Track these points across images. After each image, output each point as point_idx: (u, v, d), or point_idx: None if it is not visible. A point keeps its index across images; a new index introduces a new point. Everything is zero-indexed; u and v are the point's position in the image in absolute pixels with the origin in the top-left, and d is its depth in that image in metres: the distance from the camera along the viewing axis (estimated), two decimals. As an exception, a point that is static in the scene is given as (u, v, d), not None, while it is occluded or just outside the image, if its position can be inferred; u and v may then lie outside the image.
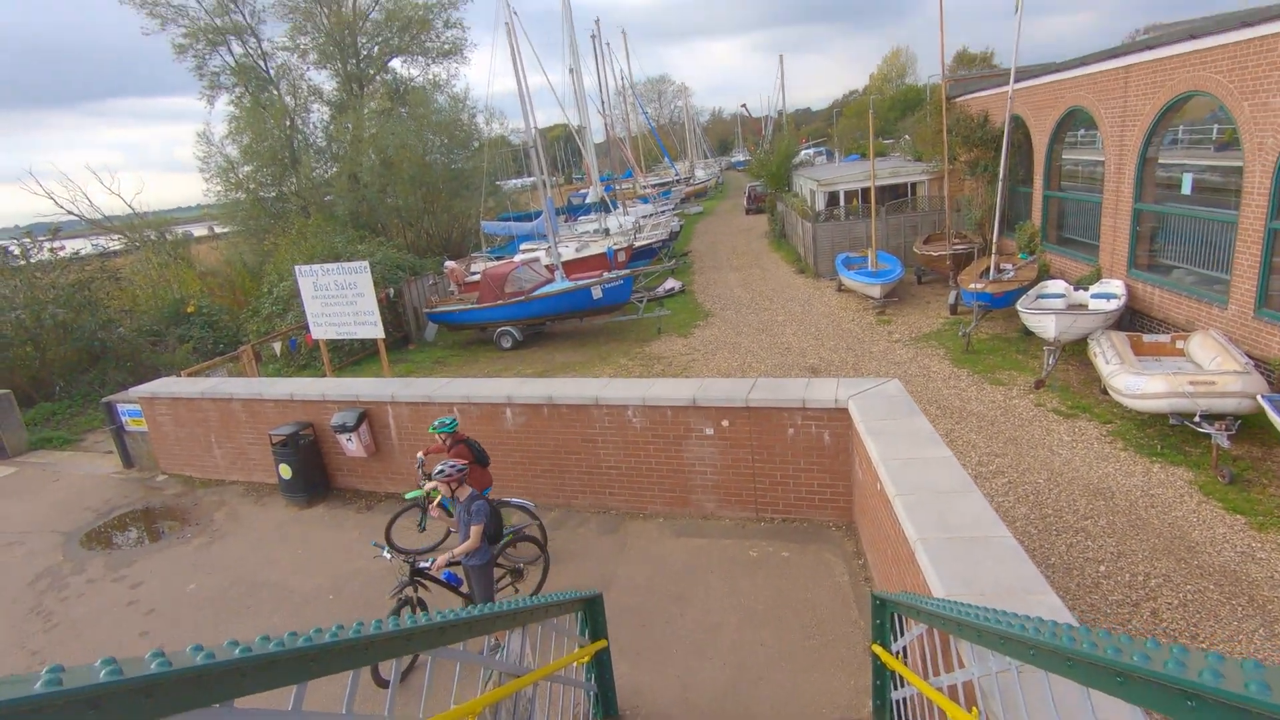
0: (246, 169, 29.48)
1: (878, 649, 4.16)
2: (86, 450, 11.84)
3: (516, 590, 6.26)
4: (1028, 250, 14.94)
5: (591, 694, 4.64)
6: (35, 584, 7.54)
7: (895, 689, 4.21)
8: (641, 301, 17.13)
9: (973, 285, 12.77)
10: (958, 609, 2.67)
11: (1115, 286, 11.64)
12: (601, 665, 4.64)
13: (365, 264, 9.47)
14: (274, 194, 30.24)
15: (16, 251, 14.54)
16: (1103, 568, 6.20)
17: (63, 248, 15.64)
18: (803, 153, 44.08)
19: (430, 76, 33.01)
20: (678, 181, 50.05)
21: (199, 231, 37.23)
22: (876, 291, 15.46)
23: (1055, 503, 7.29)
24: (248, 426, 9.25)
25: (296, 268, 9.96)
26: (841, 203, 21.70)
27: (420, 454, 6.80)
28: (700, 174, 61.23)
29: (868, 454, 5.44)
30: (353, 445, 8.38)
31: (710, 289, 20.32)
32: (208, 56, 29.64)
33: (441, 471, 5.24)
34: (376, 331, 9.73)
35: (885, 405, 6.07)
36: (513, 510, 7.09)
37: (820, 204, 22.08)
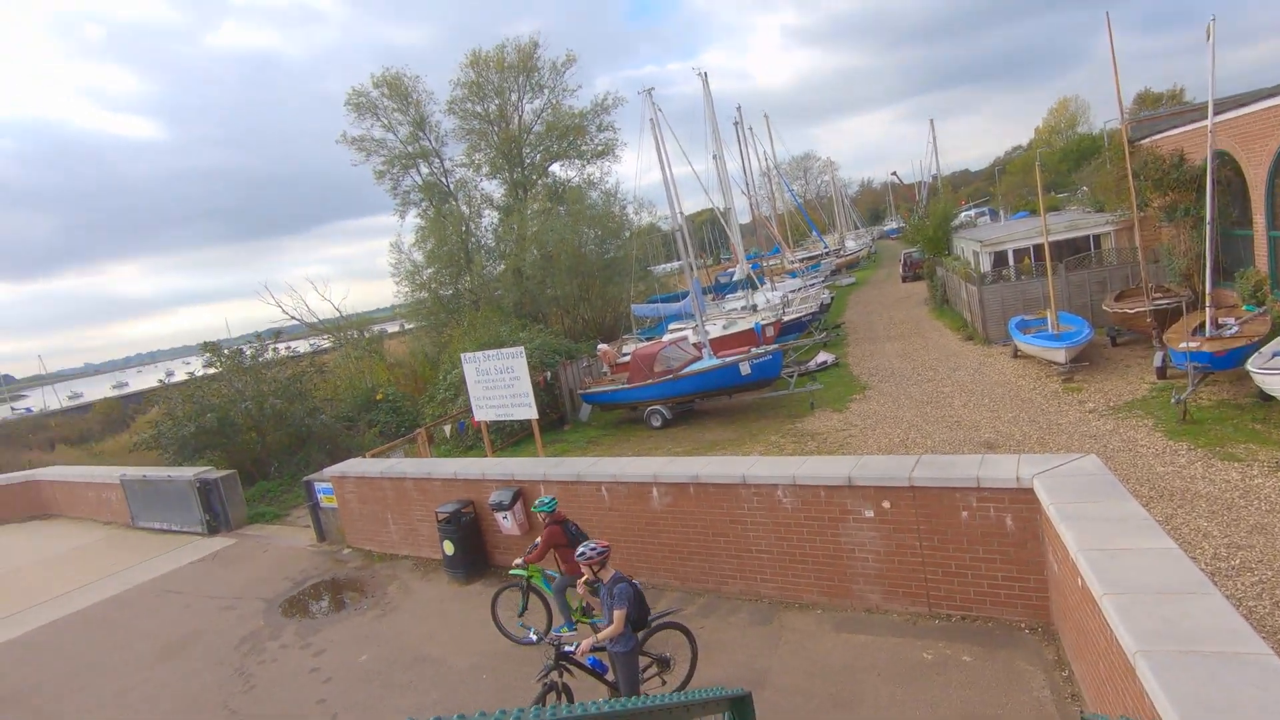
0: (429, 271, 33.21)
1: (1096, 790, 3.37)
2: (290, 524, 13.31)
3: (664, 682, 5.94)
4: (1254, 301, 12.71)
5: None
6: (240, 646, 8.38)
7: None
8: (792, 376, 16.63)
9: (1185, 345, 10.99)
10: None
11: (1386, 337, 9.47)
12: (753, 777, 4.18)
13: (521, 350, 10.09)
14: (451, 291, 33.68)
15: (249, 353, 17.30)
16: None
17: (289, 348, 18.43)
18: (962, 214, 41.77)
19: (585, 175, 35.81)
20: (826, 254, 49.26)
21: (392, 329, 42.26)
22: (1061, 356, 13.81)
23: (1333, 611, 5.75)
24: (418, 504, 9.92)
25: (463, 355, 10.83)
26: (1010, 262, 20.03)
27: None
28: (851, 244, 59.95)
29: (1063, 543, 4.65)
30: (508, 523, 8.66)
31: (866, 360, 19.33)
32: (400, 178, 34.37)
33: (583, 555, 5.20)
34: (531, 412, 10.21)
35: (1080, 485, 5.22)
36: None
37: (985, 265, 20.54)
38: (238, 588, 10.36)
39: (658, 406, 16.23)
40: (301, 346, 31.70)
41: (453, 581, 9.11)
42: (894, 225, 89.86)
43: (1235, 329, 11.43)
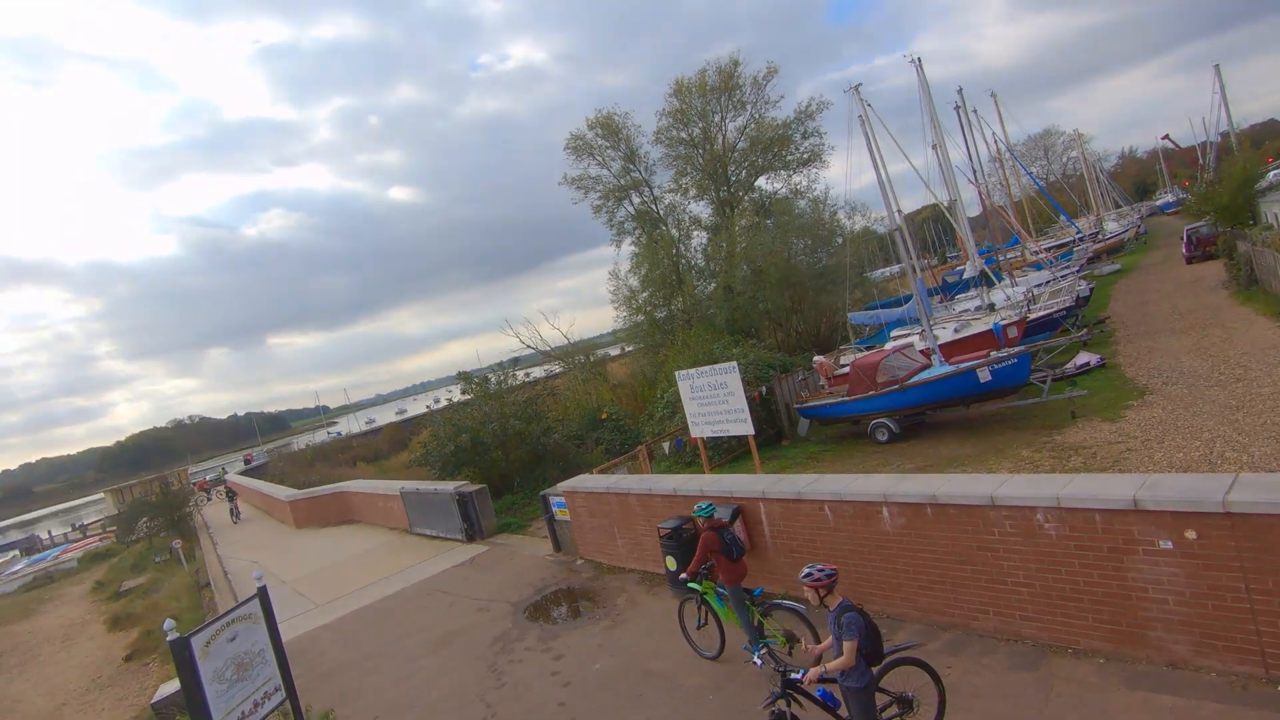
0: (644, 295, 34.76)
1: None
2: (531, 535, 14.54)
3: (907, 727, 5.34)
4: None
5: None
6: (493, 645, 9.25)
7: None
8: (1046, 382, 14.47)
9: None
10: None
11: None
12: None
13: (734, 365, 9.98)
14: (665, 313, 34.91)
15: (493, 380, 19.45)
16: None
17: (527, 374, 20.49)
18: (1271, 174, 33.51)
19: (792, 185, 35.10)
20: (1080, 240, 42.62)
21: (614, 352, 44.97)
22: None
23: None
24: (641, 519, 10.23)
25: (677, 373, 11.03)
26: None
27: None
28: (1112, 226, 51.17)
29: None
30: (729, 541, 8.53)
31: (1144, 359, 16.20)
32: (615, 210, 36.57)
33: (809, 575, 4.87)
34: (747, 428, 10.03)
35: None
36: (793, 617, 6.62)
37: (1314, 232, 16.20)
38: (490, 590, 11.51)
39: (883, 420, 15.11)
40: (536, 372, 35.08)
41: (675, 597, 9.19)
42: (1170, 198, 75.35)
43: None
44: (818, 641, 6.31)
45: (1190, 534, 5.06)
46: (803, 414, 17.46)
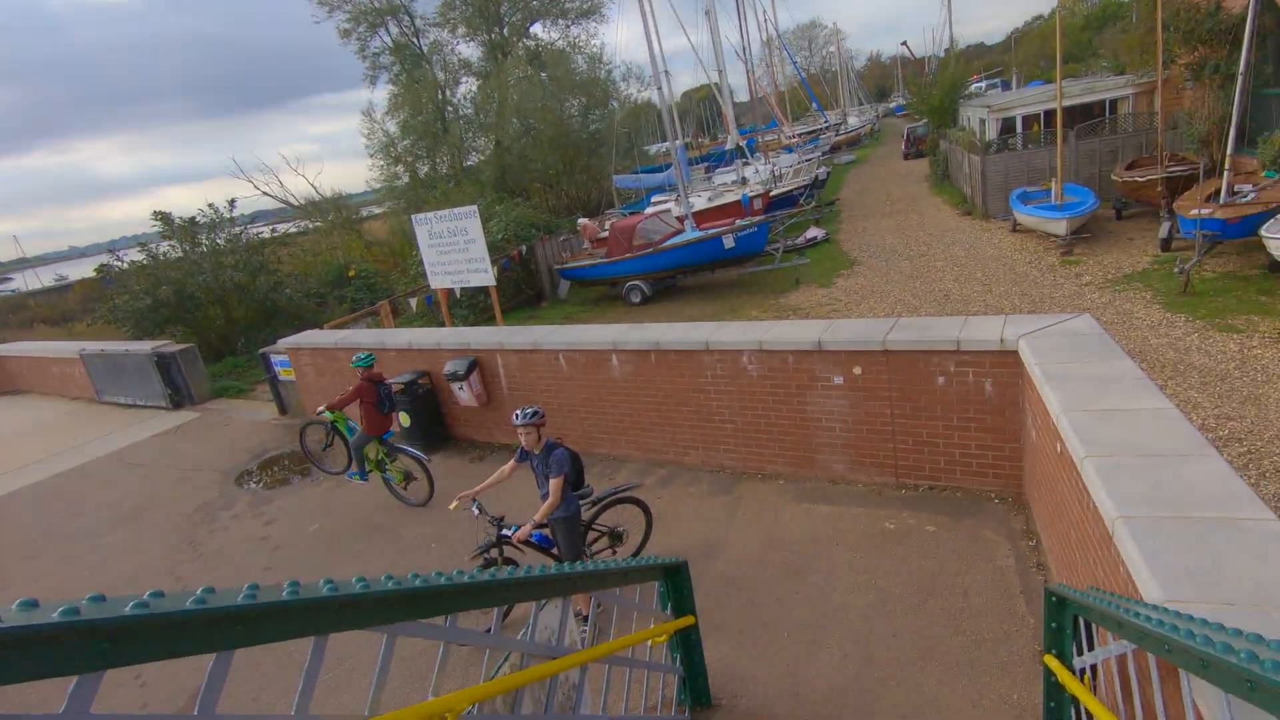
0: (404, 144, 31.23)
1: (1052, 662, 3.06)
2: (254, 399, 12.95)
3: (614, 553, 5.68)
4: (1274, 167, 11.79)
5: (678, 678, 3.95)
6: (192, 516, 8.16)
7: (1079, 717, 3.09)
8: (778, 251, 15.85)
9: (1197, 211, 10.23)
10: (1197, 632, 1.62)
11: None
12: (689, 646, 3.92)
13: (473, 209, 9.21)
14: (428, 167, 31.88)
15: (202, 222, 16.24)
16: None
17: (273, 229, 17.34)
18: (973, 86, 39.08)
19: (570, 38, 33.04)
20: (826, 129, 46.66)
21: (377, 210, 40.39)
22: (1061, 228, 13.03)
23: (1323, 481, 5.43)
24: (375, 376, 9.43)
25: (413, 217, 9.98)
26: (1019, 130, 18.71)
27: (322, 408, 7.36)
28: (853, 121, 56.78)
29: (1044, 406, 4.18)
30: (464, 394, 8.23)
31: (858, 237, 18.46)
32: (368, 39, 31.58)
33: (518, 420, 4.70)
34: (488, 279, 9.50)
35: (1070, 345, 4.69)
36: (415, 464, 7.29)
37: (992, 133, 19.21)
38: (197, 459, 10.10)
39: (637, 282, 15.55)
40: (289, 230, 30.26)
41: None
42: (900, 102, 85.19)
43: (1252, 195, 10.63)
44: (432, 486, 7.18)
45: (857, 370, 5.78)
46: (563, 275, 17.35)
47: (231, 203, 16.55)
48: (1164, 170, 12.87)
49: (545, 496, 4.71)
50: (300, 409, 10.99)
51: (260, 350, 11.22)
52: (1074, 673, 2.95)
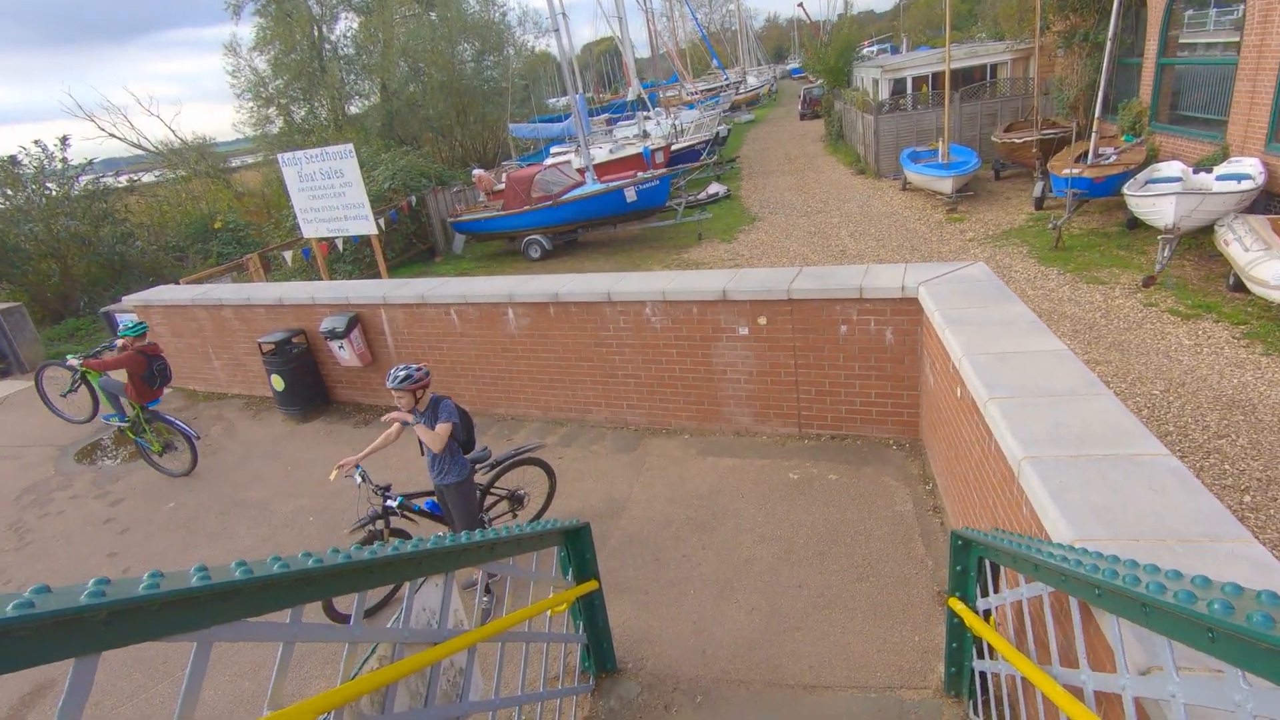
0: (276, 84, 28.38)
1: (957, 605, 3.04)
2: (101, 365, 11.45)
3: (515, 517, 5.35)
4: (1132, 133, 12.71)
5: (581, 645, 3.71)
6: (20, 499, 7.08)
7: (980, 658, 3.11)
8: (680, 206, 15.64)
9: (1068, 171, 10.85)
10: (1120, 571, 1.52)
11: (1248, 166, 9.59)
12: (592, 611, 3.68)
13: (349, 148, 8.31)
14: (305, 110, 29.18)
15: (25, 161, 13.97)
16: (1249, 497, 4.85)
17: (131, 178, 15.06)
18: (865, 50, 40.13)
19: (462, -25, 30.85)
20: (726, 86, 46.70)
21: (251, 161, 36.63)
22: (948, 186, 13.56)
23: (1178, 417, 5.87)
24: (241, 335, 8.50)
25: (280, 156, 8.92)
26: (909, 90, 19.27)
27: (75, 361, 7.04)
28: (752, 80, 57.12)
29: (945, 350, 4.17)
30: (345, 353, 7.52)
31: (758, 193, 18.56)
32: (229, -40, 28.14)
33: (397, 379, 4.21)
34: (369, 226, 8.66)
35: (968, 291, 4.73)
36: (179, 435, 6.99)
37: (884, 94, 19.69)
38: (26, 434, 8.81)
39: (536, 236, 14.91)
40: (128, 177, 26.70)
41: (287, 420, 8.03)
42: (797, 64, 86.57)
43: (1114, 157, 11.39)
44: (195, 459, 6.91)
45: (762, 320, 5.64)
46: (457, 229, 16.40)
47: (63, 140, 14.31)
48: (1039, 133, 13.59)
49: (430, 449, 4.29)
50: (155, 375, 9.79)
51: (104, 309, 9.84)
52: (977, 614, 2.93)
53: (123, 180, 17.81)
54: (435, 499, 4.74)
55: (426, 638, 2.18)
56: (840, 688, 3.53)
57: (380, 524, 4.56)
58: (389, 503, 4.53)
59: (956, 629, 3.20)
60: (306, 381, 7.92)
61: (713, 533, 4.88)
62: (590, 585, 3.56)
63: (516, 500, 5.33)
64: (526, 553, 3.26)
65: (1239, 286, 7.83)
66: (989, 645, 3.11)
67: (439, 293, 6.96)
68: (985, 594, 2.92)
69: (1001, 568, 2.82)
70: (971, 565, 3.00)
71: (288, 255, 11.88)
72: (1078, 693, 1.88)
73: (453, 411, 4.24)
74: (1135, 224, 10.55)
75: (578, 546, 3.53)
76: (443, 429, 4.19)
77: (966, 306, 4.43)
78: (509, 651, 3.99)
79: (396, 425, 4.54)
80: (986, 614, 2.95)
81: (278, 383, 7.78)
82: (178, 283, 10.44)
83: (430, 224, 16.63)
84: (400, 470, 6.29)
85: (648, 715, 3.54)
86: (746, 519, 4.96)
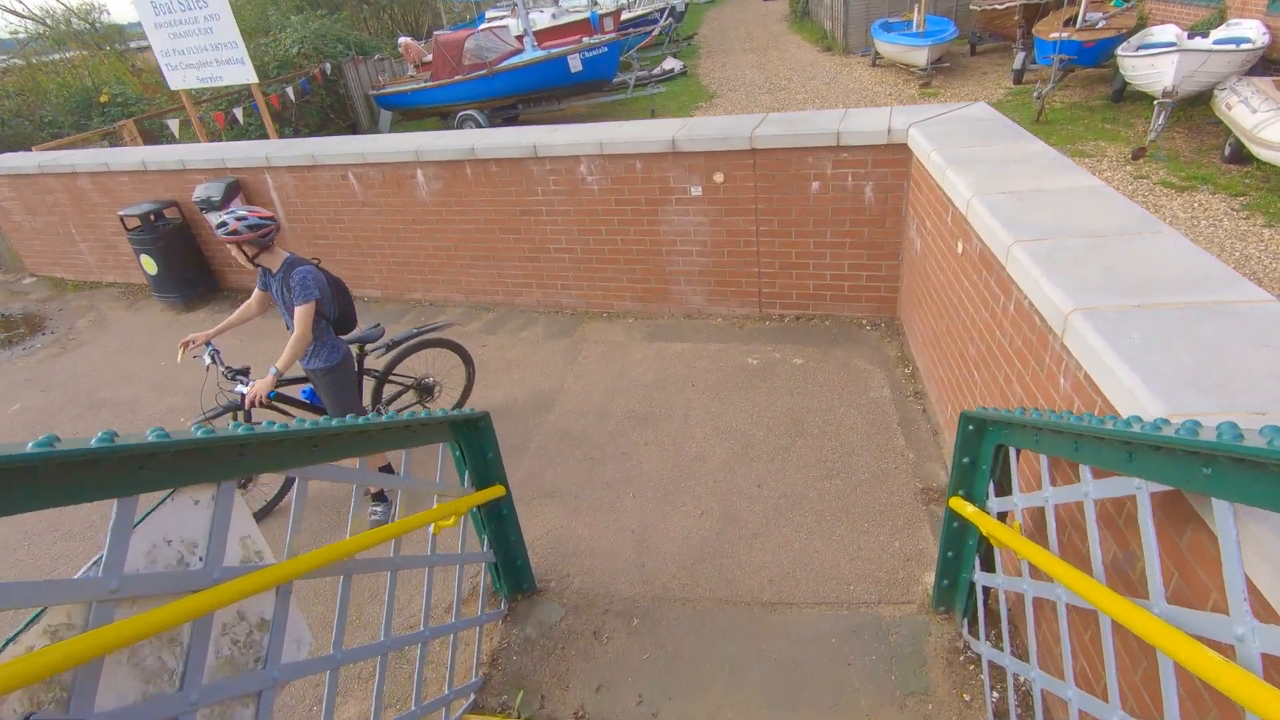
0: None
1: (963, 506, 2.35)
2: (-43, 253, 9.85)
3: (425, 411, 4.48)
4: (1122, -2, 11.67)
5: (488, 564, 2.97)
6: None
7: (980, 570, 2.47)
8: (631, 81, 14.11)
9: (1057, 34, 9.83)
10: None
11: (1250, 29, 8.75)
12: (500, 522, 2.91)
13: (210, -33, 6.71)
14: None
15: None
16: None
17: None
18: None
19: None
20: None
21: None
22: (922, 57, 12.39)
23: (1178, 294, 5.28)
24: (106, 210, 7.14)
25: (128, -17, 7.25)
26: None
27: None
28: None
29: (945, 197, 3.34)
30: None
31: (717, 72, 16.99)
32: None
33: (224, 226, 3.17)
34: (247, 74, 7.17)
35: (970, 130, 3.85)
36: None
37: (856, -40, 17.90)
38: None
39: (471, 111, 13.28)
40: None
41: (166, 309, 6.88)
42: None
43: (1103, 23, 10.39)
44: None
45: (719, 177, 4.70)
46: (382, 104, 14.57)
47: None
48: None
49: (290, 329, 3.36)
50: (14, 258, 8.39)
51: (-63, 181, 8.22)
52: (992, 516, 2.26)
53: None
54: (311, 388, 3.84)
55: (172, 586, 1.34)
56: (805, 604, 2.90)
57: (239, 415, 3.65)
58: (239, 387, 3.58)
59: (956, 534, 2.54)
60: (185, 263, 6.71)
61: (658, 427, 4.13)
62: (495, 491, 2.77)
63: (425, 390, 4.47)
64: (399, 449, 2.43)
65: (1235, 158, 7.17)
66: (995, 554, 2.46)
67: (333, 152, 5.75)
68: (1006, 490, 2.23)
69: (1034, 458, 2.11)
70: (985, 456, 2.30)
71: (174, 124, 10.14)
72: (1218, 647, 1.16)
73: (310, 284, 3.25)
74: (1120, 97, 9.74)
75: (475, 443, 2.70)
76: (301, 313, 3.23)
77: (972, 145, 3.56)
78: (377, 583, 3.23)
79: (257, 294, 3.57)
80: (1001, 518, 2.28)
81: (149, 264, 6.56)
82: (30, 150, 8.78)
83: (351, 98, 14.73)
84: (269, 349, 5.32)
85: (572, 643, 2.87)
86: (698, 410, 4.22)
